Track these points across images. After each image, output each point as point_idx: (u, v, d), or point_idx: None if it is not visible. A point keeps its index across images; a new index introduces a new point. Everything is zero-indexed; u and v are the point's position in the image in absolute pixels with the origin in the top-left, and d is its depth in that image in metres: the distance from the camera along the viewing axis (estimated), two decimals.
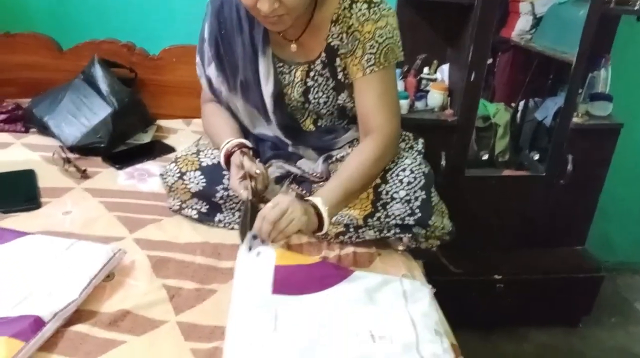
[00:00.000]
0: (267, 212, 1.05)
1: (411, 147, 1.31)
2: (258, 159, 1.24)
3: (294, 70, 1.26)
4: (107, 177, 1.51)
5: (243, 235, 1.11)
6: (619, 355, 1.96)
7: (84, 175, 1.49)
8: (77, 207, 1.34)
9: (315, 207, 1.09)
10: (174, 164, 1.30)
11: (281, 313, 0.95)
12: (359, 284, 1.04)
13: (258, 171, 1.17)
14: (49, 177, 1.47)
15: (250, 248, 1.07)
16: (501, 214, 1.97)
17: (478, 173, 1.96)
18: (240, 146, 1.23)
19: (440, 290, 1.12)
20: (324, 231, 1.12)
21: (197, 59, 1.33)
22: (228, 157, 1.23)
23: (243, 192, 1.16)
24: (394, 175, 1.20)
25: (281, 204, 1.05)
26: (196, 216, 1.30)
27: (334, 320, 0.95)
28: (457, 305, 1.48)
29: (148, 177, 1.51)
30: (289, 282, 1.01)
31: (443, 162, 1.82)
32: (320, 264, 1.08)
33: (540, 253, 2.03)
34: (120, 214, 1.32)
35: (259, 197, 1.20)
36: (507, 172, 2.02)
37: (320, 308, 0.97)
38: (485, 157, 2.01)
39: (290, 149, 1.36)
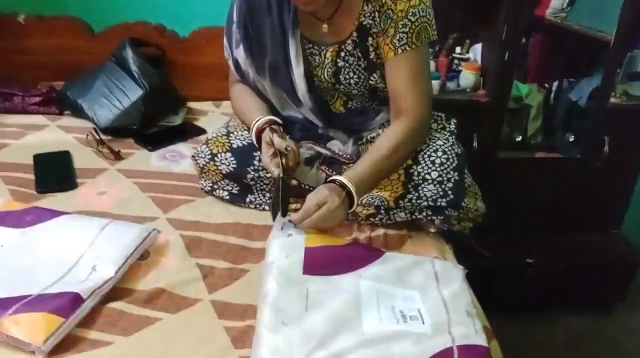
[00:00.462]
0: (312, 208, 1.07)
1: (443, 128, 1.29)
2: (288, 136, 1.24)
3: (324, 51, 1.25)
4: (140, 158, 1.52)
5: (275, 211, 1.11)
6: None
7: (118, 156, 1.51)
8: (112, 188, 1.36)
9: (344, 186, 1.09)
10: (205, 146, 1.31)
11: (312, 293, 0.95)
12: (389, 265, 1.04)
13: (289, 148, 1.17)
14: (83, 158, 1.49)
15: (282, 228, 1.07)
16: (534, 197, 1.94)
17: (510, 155, 1.92)
18: (271, 123, 1.23)
19: (471, 273, 1.11)
20: (352, 209, 1.12)
21: (225, 40, 1.33)
22: (259, 134, 1.23)
23: (274, 169, 1.16)
24: (425, 156, 1.18)
25: (330, 205, 1.07)
26: (227, 197, 1.31)
27: (364, 300, 0.95)
28: (487, 288, 1.46)
29: (180, 158, 1.53)
30: (319, 263, 1.01)
31: (475, 144, 1.79)
32: (350, 245, 1.09)
33: (573, 238, 1.99)
34: (153, 195, 1.33)
35: (291, 174, 1.21)
36: (540, 154, 1.98)
37: (351, 288, 0.97)
38: (519, 139, 1.98)
39: (320, 130, 1.35)
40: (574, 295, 2.00)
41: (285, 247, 1.04)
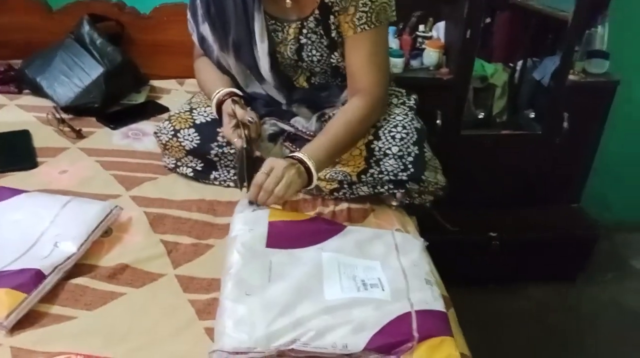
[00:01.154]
0: (262, 179, 1.06)
1: (403, 103, 1.31)
2: (250, 108, 1.24)
3: (287, 27, 1.25)
4: (102, 136, 1.50)
5: (241, 182, 1.12)
6: (613, 308, 2.00)
7: (79, 135, 1.49)
8: (73, 166, 1.34)
9: (303, 162, 1.10)
10: (167, 122, 1.30)
11: (275, 266, 0.97)
12: (350, 238, 1.06)
13: (250, 119, 1.17)
14: (44, 137, 1.47)
15: (249, 202, 1.08)
16: (497, 173, 1.98)
17: (474, 132, 1.96)
18: (231, 94, 1.23)
19: (435, 247, 1.14)
20: (312, 186, 1.13)
21: (189, 15, 1.32)
22: (220, 106, 1.23)
23: (237, 141, 1.16)
24: (386, 131, 1.20)
25: (276, 171, 1.06)
26: (191, 174, 1.31)
27: (325, 271, 0.97)
28: (452, 262, 1.51)
29: (143, 136, 1.51)
30: (282, 237, 1.02)
31: (439, 121, 1.82)
32: (312, 220, 1.10)
33: (536, 212, 2.05)
34: (116, 173, 1.32)
35: (253, 145, 1.21)
36: (504, 133, 2.02)
37: (313, 260, 0.99)
38: (482, 116, 2.01)
39: (283, 106, 1.36)
40: (538, 267, 2.06)
41: (249, 221, 1.05)
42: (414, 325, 0.89)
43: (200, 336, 0.90)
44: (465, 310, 1.12)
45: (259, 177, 1.06)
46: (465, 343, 0.95)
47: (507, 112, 2.07)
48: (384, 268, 1.00)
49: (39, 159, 1.37)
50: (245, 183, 1.11)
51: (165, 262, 1.06)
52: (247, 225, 1.04)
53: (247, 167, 1.10)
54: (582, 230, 2.03)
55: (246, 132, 1.16)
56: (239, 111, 1.17)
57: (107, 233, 1.11)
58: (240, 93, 1.27)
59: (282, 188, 1.05)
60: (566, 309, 1.99)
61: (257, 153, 1.16)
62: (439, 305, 0.95)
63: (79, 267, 1.02)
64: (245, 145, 1.14)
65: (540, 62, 2.03)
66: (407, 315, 0.91)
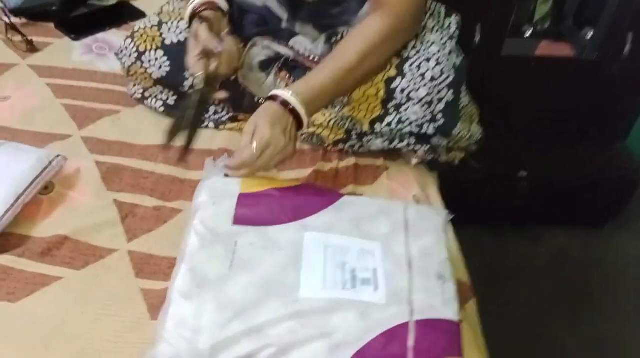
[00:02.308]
0: (249, 157, 0.80)
1: (442, 28, 0.99)
2: (228, 30, 0.95)
3: None
4: (59, 50, 1.23)
5: (172, 134, 0.84)
6: None
7: (31, 47, 1.22)
8: (19, 91, 1.09)
9: (286, 103, 0.83)
10: (130, 40, 1.02)
11: (240, 249, 0.74)
12: (346, 212, 0.81)
13: (216, 47, 0.89)
14: None
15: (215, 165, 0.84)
16: (536, 102, 1.69)
17: (515, 51, 1.64)
18: (208, 6, 0.93)
19: (455, 184, 0.98)
20: (302, 131, 0.87)
21: None
22: (193, 19, 0.94)
23: (198, 75, 0.88)
24: (413, 66, 0.91)
25: (260, 142, 0.80)
26: (162, 109, 1.05)
27: (306, 256, 0.74)
28: (472, 201, 1.30)
29: (109, 51, 1.23)
30: (254, 211, 0.79)
31: (477, 38, 1.50)
32: (298, 189, 0.84)
33: (573, 150, 1.78)
34: (69, 102, 1.07)
35: (216, 84, 0.92)
36: (545, 45, 1.69)
37: (291, 242, 0.76)
38: (528, 33, 1.68)
39: (283, 24, 1.05)
40: (565, 210, 1.84)
41: (215, 191, 0.80)
42: (410, 342, 0.67)
43: (149, 344, 0.70)
44: (479, 254, 0.94)
45: (244, 152, 0.81)
46: None
47: (551, 19, 1.73)
48: (385, 254, 0.76)
49: None
50: (184, 142, 0.83)
51: (117, 233, 0.85)
52: (212, 196, 0.80)
53: (194, 116, 0.83)
54: (622, 171, 1.78)
55: (213, 65, 0.88)
56: (204, 34, 0.88)
57: (47, 188, 0.88)
58: (222, 5, 0.96)
59: (265, 160, 0.81)
60: (589, 261, 1.79)
61: (221, 96, 0.88)
62: (449, 312, 0.72)
63: (4, 238, 0.81)
64: (201, 84, 0.86)
65: None
66: (404, 326, 0.69)
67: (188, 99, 0.87)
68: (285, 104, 0.83)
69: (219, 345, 0.65)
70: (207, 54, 0.88)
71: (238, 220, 0.77)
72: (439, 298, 0.73)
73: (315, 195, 0.83)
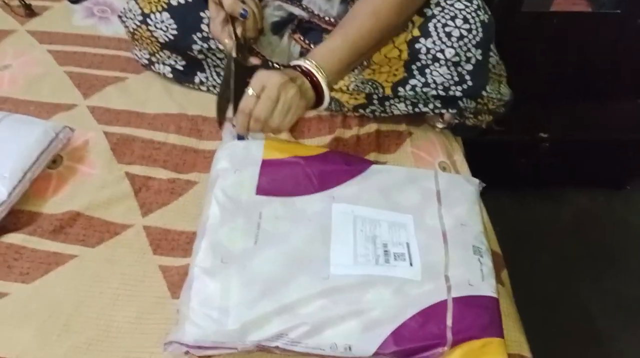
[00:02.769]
0: (250, 104, 0.74)
1: None
2: None
3: None
4: (59, 15, 1.16)
5: (222, 107, 0.80)
6: None
7: (30, 12, 1.15)
8: (19, 59, 1.04)
9: (309, 74, 0.77)
10: (133, 2, 0.95)
11: (265, 221, 0.70)
12: (374, 181, 0.77)
13: (245, 11, 0.82)
14: None
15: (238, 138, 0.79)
16: (558, 59, 1.62)
17: (534, 7, 1.56)
18: None
19: (473, 147, 0.95)
20: (323, 106, 0.81)
21: None
22: None
23: (227, 42, 0.83)
24: (439, 25, 0.85)
25: (269, 92, 0.73)
26: (170, 74, 1.00)
27: (335, 229, 0.71)
28: (492, 163, 1.25)
29: (112, 14, 1.17)
30: (279, 180, 0.74)
31: None
32: (324, 157, 0.79)
33: (597, 108, 1.72)
34: (72, 70, 1.01)
35: (251, 50, 0.88)
36: (575, 10, 1.61)
37: (319, 214, 0.72)
38: None
39: None
40: (588, 171, 1.79)
41: (236, 158, 0.76)
42: (449, 321, 0.64)
43: (172, 323, 0.67)
44: (500, 217, 0.92)
45: (245, 101, 0.74)
46: (523, 339, 0.71)
47: None
48: (417, 227, 0.72)
49: None
50: (229, 110, 0.79)
51: (131, 207, 0.81)
52: (233, 164, 0.75)
53: (235, 87, 0.78)
54: None
55: (239, 31, 0.82)
56: (227, 0, 0.81)
57: (55, 162, 0.84)
58: None
59: (278, 116, 0.74)
60: (613, 221, 1.75)
61: (254, 61, 0.83)
62: (488, 288, 0.68)
63: (14, 215, 0.77)
64: (235, 53, 0.80)
65: None
66: (442, 304, 0.65)
67: (226, 70, 0.82)
68: (304, 71, 0.77)
69: (248, 325, 0.62)
70: (231, 19, 0.82)
71: (261, 190, 0.73)
72: (476, 274, 0.69)
73: (343, 164, 0.78)
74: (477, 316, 0.66)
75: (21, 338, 0.65)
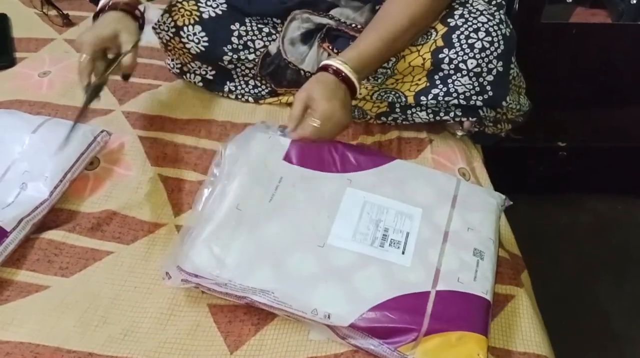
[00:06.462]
0: (315, 131, 0.81)
1: None
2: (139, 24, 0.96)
3: None
4: None
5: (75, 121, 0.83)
6: None
7: (67, 22, 1.21)
8: (57, 66, 1.08)
9: (338, 72, 0.83)
10: (167, 15, 1.00)
11: (284, 185, 0.76)
12: (391, 176, 0.80)
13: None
14: (24, 24, 1.19)
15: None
16: (577, 70, 1.63)
17: (554, 18, 1.58)
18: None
19: (492, 153, 0.98)
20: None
21: None
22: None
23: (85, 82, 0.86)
24: (462, 36, 0.88)
25: (321, 118, 0.80)
26: (201, 83, 1.04)
27: (341, 208, 0.75)
28: (509, 170, 1.28)
29: (146, 25, 1.21)
30: (305, 153, 0.80)
31: (517, 5, 1.45)
32: (352, 144, 0.86)
33: (614, 116, 1.73)
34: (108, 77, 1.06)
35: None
36: (579, 12, 1.64)
37: (331, 192, 0.76)
38: None
39: None
40: (606, 178, 1.79)
41: (266, 139, 0.82)
42: (429, 310, 0.67)
43: (203, 315, 0.71)
44: (518, 222, 0.93)
45: (308, 128, 0.81)
46: (542, 339, 0.72)
47: None
48: (424, 222, 0.75)
49: (17, 54, 1.11)
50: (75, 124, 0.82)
51: (165, 207, 0.85)
52: (264, 142, 0.81)
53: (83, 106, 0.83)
54: None
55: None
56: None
57: (92, 164, 0.88)
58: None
59: (326, 136, 0.83)
60: (631, 226, 1.75)
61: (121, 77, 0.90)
62: (479, 289, 0.70)
63: (54, 213, 0.81)
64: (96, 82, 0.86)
65: None
66: (425, 294, 0.68)
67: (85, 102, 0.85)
68: (337, 72, 0.82)
69: (244, 269, 0.69)
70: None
71: (288, 157, 0.79)
72: (469, 274, 0.71)
73: (369, 154, 0.83)
74: (460, 311, 0.68)
75: (63, 328, 0.69)
